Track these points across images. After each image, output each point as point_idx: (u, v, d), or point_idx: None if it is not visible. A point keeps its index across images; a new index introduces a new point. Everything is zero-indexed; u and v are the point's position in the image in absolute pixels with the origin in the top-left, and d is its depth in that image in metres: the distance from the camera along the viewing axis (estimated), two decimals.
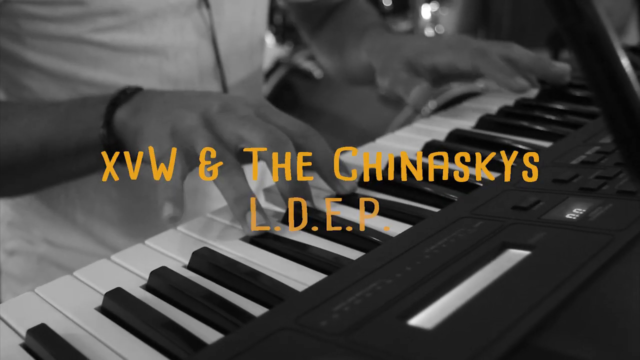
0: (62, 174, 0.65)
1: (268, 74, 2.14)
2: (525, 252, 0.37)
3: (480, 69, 0.64)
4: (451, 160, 0.55)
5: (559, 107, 0.64)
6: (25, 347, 0.37)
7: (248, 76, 0.81)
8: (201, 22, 0.72)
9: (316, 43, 0.94)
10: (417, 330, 0.32)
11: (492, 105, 0.67)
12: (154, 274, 0.42)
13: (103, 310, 0.39)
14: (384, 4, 2.02)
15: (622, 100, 0.29)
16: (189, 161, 0.49)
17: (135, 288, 0.41)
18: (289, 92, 2.10)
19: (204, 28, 0.72)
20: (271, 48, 2.34)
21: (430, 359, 0.29)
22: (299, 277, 0.40)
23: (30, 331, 0.36)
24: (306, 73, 2.07)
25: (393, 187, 0.51)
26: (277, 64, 2.18)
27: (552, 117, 0.61)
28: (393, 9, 2.04)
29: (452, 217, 0.43)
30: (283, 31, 2.35)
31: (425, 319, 0.33)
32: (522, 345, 0.29)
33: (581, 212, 0.40)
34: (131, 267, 0.44)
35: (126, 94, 0.56)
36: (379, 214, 0.47)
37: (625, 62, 0.29)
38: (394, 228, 0.45)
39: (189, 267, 0.43)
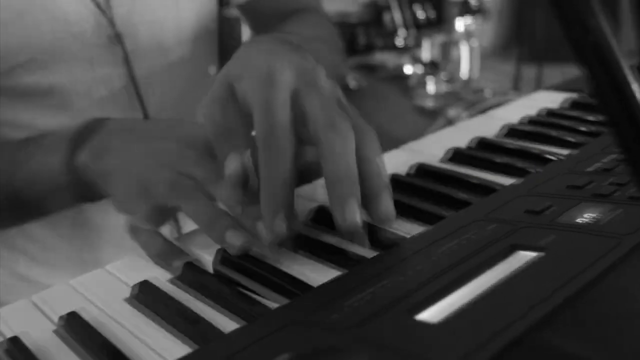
0: (38, 214, 0.62)
1: None
2: (534, 254, 0.38)
3: None
4: (474, 165, 0.57)
5: (581, 116, 0.65)
6: (57, 333, 0.39)
7: (180, 93, 0.74)
8: (114, 52, 0.65)
9: None
10: (423, 324, 0.33)
11: (517, 114, 0.68)
12: (183, 268, 0.44)
13: (131, 301, 0.42)
14: (418, 17, 2.03)
15: (626, 110, 0.30)
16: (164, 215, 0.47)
17: (162, 282, 0.43)
18: None
19: (118, 58, 0.66)
20: None
21: (432, 350, 0.30)
22: (315, 274, 0.42)
23: (62, 318, 0.39)
24: (344, 84, 2.09)
25: (414, 190, 0.52)
26: None
27: (573, 126, 0.62)
28: (427, 22, 2.05)
29: (467, 219, 0.44)
30: None
31: (432, 314, 0.34)
32: (523, 340, 0.31)
33: (592, 217, 0.41)
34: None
35: (83, 135, 0.51)
36: (399, 214, 0.49)
37: (629, 72, 0.30)
38: (411, 229, 0.46)
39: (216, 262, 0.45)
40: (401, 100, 1.75)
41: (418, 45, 2.07)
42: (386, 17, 2.05)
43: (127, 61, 0.65)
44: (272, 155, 0.40)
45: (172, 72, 0.71)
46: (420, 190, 0.52)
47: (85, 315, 0.40)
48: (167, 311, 0.39)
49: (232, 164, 0.42)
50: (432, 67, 1.99)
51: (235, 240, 0.42)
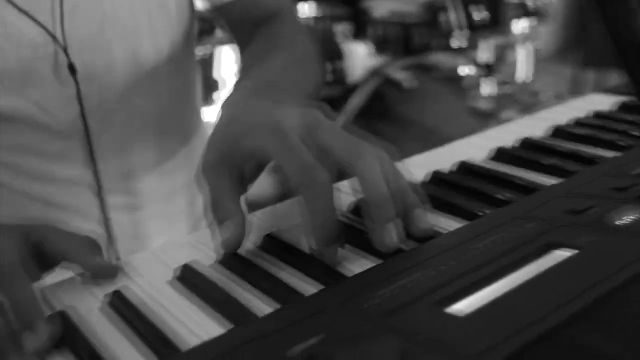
0: None
1: (361, 84, 2.18)
2: (570, 253, 0.38)
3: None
4: (518, 165, 0.56)
5: (630, 119, 0.63)
6: (102, 310, 0.41)
7: (159, 109, 0.73)
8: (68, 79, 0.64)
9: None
10: (451, 316, 0.33)
11: (566, 116, 0.68)
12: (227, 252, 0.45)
13: (173, 283, 0.43)
14: (475, 18, 2.01)
15: None
16: None
17: (204, 265, 0.45)
18: (381, 101, 2.13)
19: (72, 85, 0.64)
20: (367, 58, 2.38)
21: (457, 341, 0.31)
22: (350, 265, 0.43)
23: (107, 296, 0.41)
24: (398, 84, 2.09)
25: (455, 187, 0.53)
26: (372, 74, 2.22)
27: (621, 129, 0.61)
28: (485, 24, 2.03)
29: (507, 217, 0.44)
30: (383, 43, 2.39)
31: (461, 307, 0.34)
32: (549, 336, 0.31)
33: (632, 219, 0.41)
34: (205, 247, 0.48)
35: None
36: (440, 211, 0.49)
37: None
38: (450, 225, 0.46)
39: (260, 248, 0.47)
40: (455, 101, 1.75)
41: (474, 46, 2.05)
42: (442, 18, 2.04)
43: (77, 82, 0.64)
44: (316, 189, 0.41)
45: (150, 85, 0.71)
46: (462, 187, 0.52)
47: (128, 294, 0.41)
48: (207, 294, 0.41)
49: (227, 233, 0.45)
50: (488, 69, 1.97)
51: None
